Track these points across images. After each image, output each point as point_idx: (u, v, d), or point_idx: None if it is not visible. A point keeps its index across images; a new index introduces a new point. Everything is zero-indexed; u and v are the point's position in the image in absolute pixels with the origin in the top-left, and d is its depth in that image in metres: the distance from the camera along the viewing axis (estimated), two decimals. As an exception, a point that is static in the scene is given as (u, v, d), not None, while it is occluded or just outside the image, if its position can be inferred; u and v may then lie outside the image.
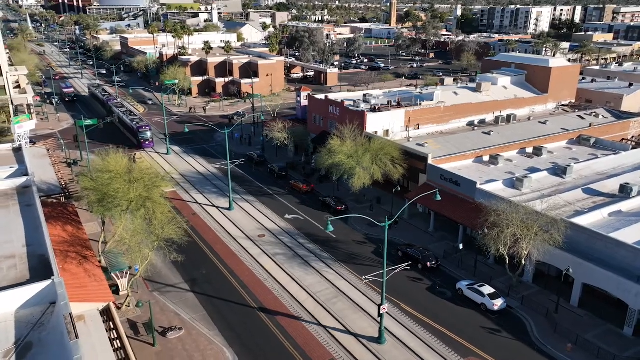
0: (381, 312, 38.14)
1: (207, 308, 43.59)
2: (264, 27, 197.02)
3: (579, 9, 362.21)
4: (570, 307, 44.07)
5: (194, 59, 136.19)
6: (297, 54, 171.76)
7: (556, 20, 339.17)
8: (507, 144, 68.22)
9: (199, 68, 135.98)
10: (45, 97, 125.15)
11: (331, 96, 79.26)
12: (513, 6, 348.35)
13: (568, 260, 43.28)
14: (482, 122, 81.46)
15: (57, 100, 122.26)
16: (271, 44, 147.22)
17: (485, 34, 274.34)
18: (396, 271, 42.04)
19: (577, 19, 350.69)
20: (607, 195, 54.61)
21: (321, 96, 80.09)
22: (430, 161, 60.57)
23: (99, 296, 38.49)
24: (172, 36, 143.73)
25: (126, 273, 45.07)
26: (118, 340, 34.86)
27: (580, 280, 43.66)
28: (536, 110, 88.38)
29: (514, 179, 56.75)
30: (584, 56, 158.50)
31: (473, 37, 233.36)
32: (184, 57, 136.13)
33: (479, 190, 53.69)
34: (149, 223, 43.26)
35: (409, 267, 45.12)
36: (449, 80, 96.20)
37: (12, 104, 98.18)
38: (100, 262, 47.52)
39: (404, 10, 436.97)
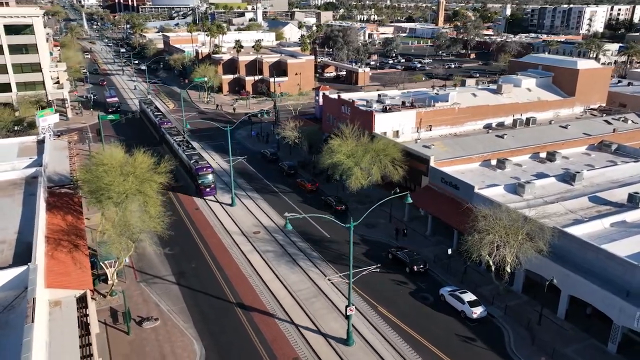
0: (348, 314, 37.85)
1: (187, 301, 44.57)
2: (300, 26, 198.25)
3: (639, 8, 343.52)
4: (556, 319, 42.27)
5: (226, 57, 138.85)
6: (332, 52, 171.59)
7: (612, 20, 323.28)
8: (518, 148, 65.99)
9: (231, 66, 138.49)
10: (84, 96, 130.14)
11: (344, 95, 79.01)
12: (566, 5, 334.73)
13: (554, 270, 41.54)
14: (501, 125, 78.97)
15: (94, 95, 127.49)
16: (303, 43, 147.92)
17: (532, 35, 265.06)
18: (364, 273, 41.51)
19: (636, 18, 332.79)
20: (614, 204, 51.95)
21: (334, 95, 79.97)
22: (432, 163, 59.44)
23: (78, 284, 39.99)
24: (206, 35, 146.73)
25: (115, 263, 46.67)
26: (85, 327, 36.09)
27: (566, 292, 41.82)
28: (561, 114, 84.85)
29: (516, 184, 54.85)
30: (630, 58, 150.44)
31: (516, 37, 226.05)
32: (216, 56, 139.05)
33: (477, 195, 52.27)
34: (140, 215, 44.51)
35: (377, 270, 44.57)
36: (470, 81, 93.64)
37: (47, 97, 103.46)
38: (96, 251, 49.66)
39: (455, 9, 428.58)
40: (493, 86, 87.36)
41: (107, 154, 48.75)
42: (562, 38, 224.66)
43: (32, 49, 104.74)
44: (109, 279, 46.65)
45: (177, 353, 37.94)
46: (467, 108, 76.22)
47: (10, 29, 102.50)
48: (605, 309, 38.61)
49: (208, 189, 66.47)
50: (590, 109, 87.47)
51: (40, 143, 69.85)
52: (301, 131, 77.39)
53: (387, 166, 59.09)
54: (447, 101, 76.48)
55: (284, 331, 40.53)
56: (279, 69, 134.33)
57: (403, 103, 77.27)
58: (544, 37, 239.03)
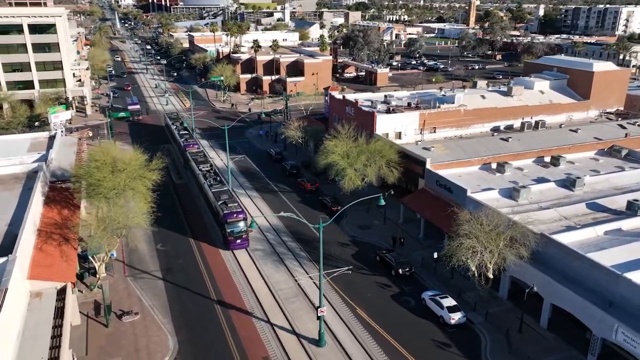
0: (319, 315, 37.75)
1: (170, 296, 45.24)
2: (322, 26, 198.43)
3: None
4: (538, 328, 41.15)
5: (244, 57, 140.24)
6: (352, 53, 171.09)
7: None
8: (520, 151, 64.45)
9: (249, 66, 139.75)
10: (104, 94, 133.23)
11: (348, 96, 78.74)
12: (601, 6, 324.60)
13: (536, 277, 40.46)
14: (509, 127, 77.35)
15: (115, 94, 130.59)
16: (322, 44, 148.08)
17: (563, 36, 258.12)
18: (335, 274, 41.39)
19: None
20: (612, 211, 50.19)
21: (339, 95, 79.80)
22: (428, 166, 58.66)
23: (60, 276, 41.07)
24: (225, 34, 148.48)
25: (104, 257, 47.74)
26: (60, 319, 37.00)
27: (549, 300, 40.65)
28: (575, 117, 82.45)
29: (511, 189, 53.60)
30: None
31: (546, 38, 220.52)
32: (235, 55, 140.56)
33: (469, 198, 51.34)
34: (124, 211, 45.41)
35: (349, 272, 44.28)
36: (482, 82, 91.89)
37: (66, 95, 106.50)
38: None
39: (488, 9, 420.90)
40: (504, 88, 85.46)
41: (98, 150, 49.88)
42: (593, 39, 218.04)
43: (54, 47, 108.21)
44: (98, 272, 47.78)
45: (150, 347, 38.57)
46: (473, 110, 74.91)
47: (35, 28, 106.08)
48: (585, 320, 37.38)
49: (238, 242, 52.87)
50: (607, 113, 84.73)
51: (52, 139, 72.13)
52: (305, 131, 77.46)
53: (381, 168, 58.61)
54: (453, 103, 75.33)
55: (259, 330, 40.71)
56: (296, 68, 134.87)
57: (409, 104, 76.51)
58: (576, 38, 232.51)
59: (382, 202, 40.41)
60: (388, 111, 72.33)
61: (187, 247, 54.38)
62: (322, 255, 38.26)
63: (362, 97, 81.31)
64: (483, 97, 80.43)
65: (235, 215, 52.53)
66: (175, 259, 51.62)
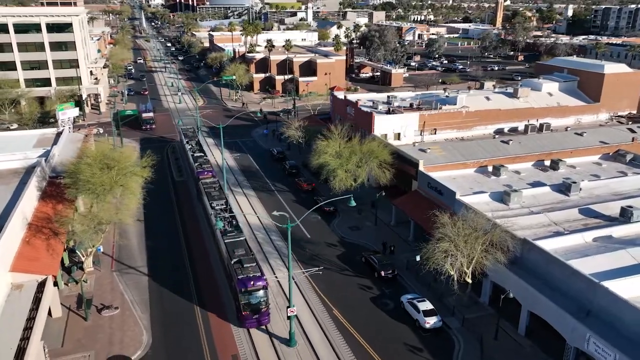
0: (289, 315, 37.75)
1: (152, 292, 45.87)
2: (339, 26, 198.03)
3: None
4: (516, 335, 40.29)
5: (258, 56, 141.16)
6: (369, 53, 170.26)
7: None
8: (519, 154, 63.13)
9: (263, 65, 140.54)
10: (119, 91, 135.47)
11: (350, 96, 78.48)
12: (633, 6, 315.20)
13: (513, 282, 39.65)
14: (514, 130, 75.94)
15: (131, 91, 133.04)
16: (336, 44, 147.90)
17: (591, 36, 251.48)
18: (305, 274, 41.19)
19: None
20: (605, 217, 48.74)
21: (341, 96, 79.59)
22: (421, 167, 57.99)
23: (43, 269, 42.03)
24: (241, 34, 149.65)
25: (91, 251, 48.68)
26: (36, 311, 37.87)
27: (526, 307, 39.75)
28: (584, 120, 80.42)
29: (503, 192, 52.57)
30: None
31: (572, 38, 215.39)
32: (249, 55, 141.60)
33: (458, 202, 50.58)
34: (107, 207, 46.26)
35: (320, 272, 44.21)
36: (489, 84, 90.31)
37: (80, 92, 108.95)
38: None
39: (518, 9, 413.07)
40: (510, 90, 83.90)
41: (88, 147, 50.84)
42: (621, 40, 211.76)
43: (71, 46, 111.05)
44: (85, 266, 48.75)
45: (124, 342, 39.20)
46: (475, 112, 73.80)
47: (52, 27, 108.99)
48: (559, 328, 36.46)
49: (253, 318, 40.68)
50: (618, 116, 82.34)
51: (59, 135, 73.96)
52: (305, 131, 77.51)
53: (373, 169, 58.19)
54: (455, 104, 74.32)
55: (233, 328, 40.91)
56: (310, 68, 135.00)
57: (411, 105, 75.84)
58: (604, 39, 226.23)
59: (353, 204, 40.08)
60: (388, 112, 71.84)
61: (177, 243, 54.98)
62: (291, 256, 38.23)
63: (365, 97, 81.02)
64: (488, 98, 79.15)
65: (252, 282, 40.35)
66: (164, 256, 52.25)
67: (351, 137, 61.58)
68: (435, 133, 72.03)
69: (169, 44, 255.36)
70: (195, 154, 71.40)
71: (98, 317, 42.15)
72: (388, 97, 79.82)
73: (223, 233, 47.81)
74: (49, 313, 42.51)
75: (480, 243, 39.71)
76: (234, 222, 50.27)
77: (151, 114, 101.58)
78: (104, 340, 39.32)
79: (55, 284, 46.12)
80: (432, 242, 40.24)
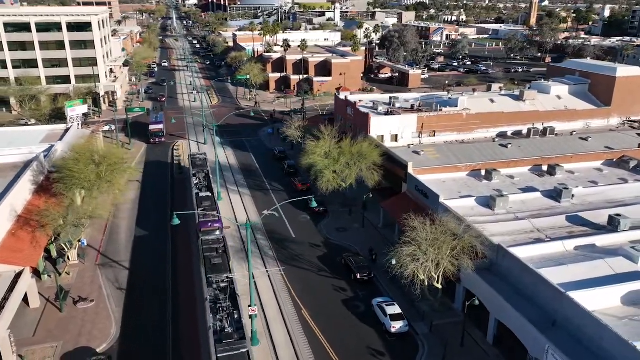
0: (250, 314, 37.89)
1: (129, 287, 46.75)
2: (360, 26, 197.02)
3: None
4: (484, 343, 39.36)
5: (275, 56, 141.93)
6: (388, 53, 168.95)
7: None
8: (515, 159, 61.56)
9: (280, 65, 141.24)
10: (137, 90, 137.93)
11: (351, 97, 78.06)
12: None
13: (482, 289, 38.76)
14: (518, 133, 74.03)
15: (150, 89, 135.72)
16: (354, 44, 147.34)
17: (627, 38, 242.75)
18: (267, 273, 41.15)
19: None
20: (593, 225, 47.07)
21: (342, 96, 79.28)
22: (410, 170, 57.23)
23: (22, 261, 43.45)
24: (259, 34, 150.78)
25: (75, 245, 50.00)
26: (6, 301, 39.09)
27: (494, 315, 38.79)
28: (594, 125, 77.73)
29: (489, 197, 51.39)
30: None
31: (602, 40, 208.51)
32: (266, 54, 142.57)
33: (442, 205, 49.74)
34: (88, 201, 47.47)
35: (281, 272, 44.10)
36: (496, 86, 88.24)
37: (96, 90, 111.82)
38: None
39: (554, 9, 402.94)
40: (516, 92, 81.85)
41: (77, 144, 52.22)
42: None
43: (90, 44, 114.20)
44: (70, 259, 50.10)
45: (93, 334, 40.11)
46: (477, 114, 72.29)
47: (72, 27, 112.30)
48: (522, 337, 35.47)
49: None
50: (631, 121, 79.29)
51: (67, 131, 76.23)
52: (304, 130, 77.52)
53: (362, 170, 57.77)
54: (457, 106, 73.01)
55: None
56: (325, 68, 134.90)
57: (412, 107, 74.90)
58: (639, 41, 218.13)
59: (314, 205, 39.93)
60: (387, 113, 71.16)
61: (164, 239, 55.88)
62: (250, 255, 38.35)
63: (368, 98, 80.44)
64: (492, 100, 77.39)
65: None
66: (149, 252, 53.14)
67: (342, 138, 61.29)
68: (434, 135, 70.93)
69: (195, 42, 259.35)
70: (201, 194, 57.91)
71: (73, 309, 43.22)
72: (390, 98, 79.00)
73: (219, 338, 33.73)
74: (27, 303, 44.01)
75: (448, 248, 38.95)
76: (237, 316, 36.11)
77: (161, 126, 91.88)
78: (74, 332, 40.30)
79: (38, 275, 47.69)
80: (399, 246, 39.72)
